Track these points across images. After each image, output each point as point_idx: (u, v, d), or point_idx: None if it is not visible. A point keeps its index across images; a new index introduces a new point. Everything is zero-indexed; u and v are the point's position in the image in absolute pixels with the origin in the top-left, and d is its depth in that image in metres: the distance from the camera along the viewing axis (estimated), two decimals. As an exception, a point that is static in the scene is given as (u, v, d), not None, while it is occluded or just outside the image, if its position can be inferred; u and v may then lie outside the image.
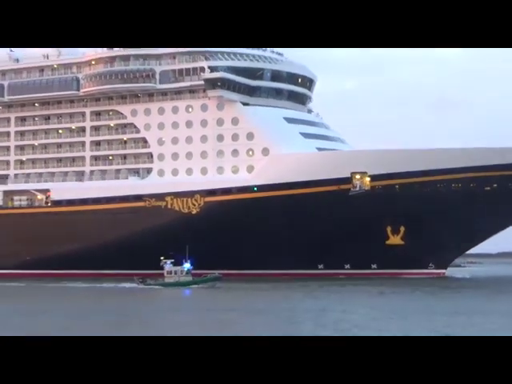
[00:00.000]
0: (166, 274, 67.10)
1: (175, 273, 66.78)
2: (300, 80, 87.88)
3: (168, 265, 67.30)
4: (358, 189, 75.29)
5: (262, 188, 77.44)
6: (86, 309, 47.28)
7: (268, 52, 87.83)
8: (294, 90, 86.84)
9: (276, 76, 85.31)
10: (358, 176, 75.46)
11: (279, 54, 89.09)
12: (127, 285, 66.32)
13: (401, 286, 63.59)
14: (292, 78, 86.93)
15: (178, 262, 67.07)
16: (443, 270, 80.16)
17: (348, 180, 75.48)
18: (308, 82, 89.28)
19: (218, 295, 57.91)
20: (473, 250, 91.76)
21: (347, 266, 77.89)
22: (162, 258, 68.11)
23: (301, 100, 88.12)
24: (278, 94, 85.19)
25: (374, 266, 77.88)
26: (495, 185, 73.25)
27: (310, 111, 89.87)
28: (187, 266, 66.67)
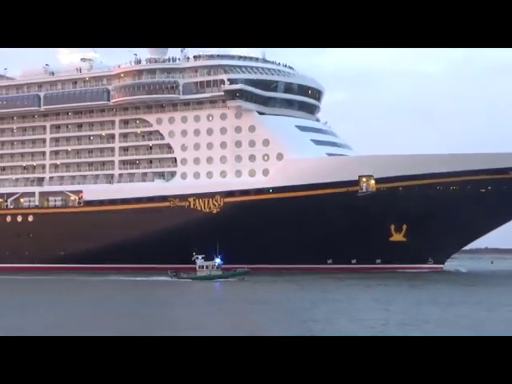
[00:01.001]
0: (198, 268, 66.79)
1: (206, 267, 66.41)
2: (310, 92, 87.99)
3: (200, 260, 67.01)
4: (364, 190, 75.39)
5: (276, 190, 77.55)
6: (143, 297, 48.36)
7: (281, 66, 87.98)
8: (305, 101, 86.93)
9: (288, 88, 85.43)
10: (364, 179, 75.55)
11: (290, 67, 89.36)
12: (159, 278, 65.80)
13: (395, 279, 63.43)
14: (303, 89, 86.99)
15: (208, 257, 66.74)
16: (441, 265, 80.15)
17: (356, 183, 75.57)
18: (317, 94, 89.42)
19: (242, 287, 57.70)
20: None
21: (354, 261, 77.86)
22: (193, 253, 67.82)
23: (310, 110, 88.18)
24: (290, 104, 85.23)
25: (378, 261, 77.83)
26: (489, 187, 73.24)
27: (317, 120, 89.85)
28: (218, 260, 66.44)
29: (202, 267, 66.68)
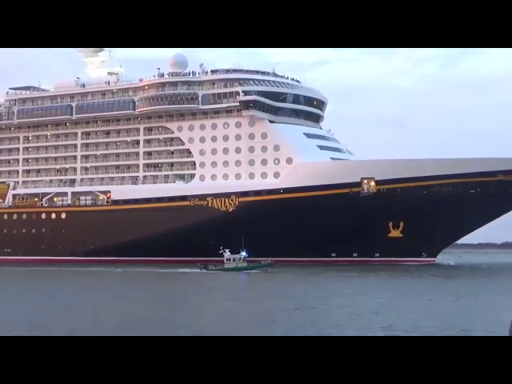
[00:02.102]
0: (225, 261, 66.49)
1: (233, 260, 66.12)
2: (315, 102, 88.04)
3: (227, 253, 66.78)
4: (366, 191, 75.33)
5: (286, 190, 77.54)
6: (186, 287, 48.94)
7: (289, 79, 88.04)
8: (310, 111, 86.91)
9: (296, 99, 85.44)
10: (366, 181, 75.48)
11: (297, 81, 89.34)
12: (191, 270, 64.99)
13: (382, 271, 63.18)
14: (308, 100, 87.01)
15: (234, 251, 66.75)
16: (433, 259, 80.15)
17: (358, 184, 75.48)
18: (321, 104, 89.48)
19: (265, 278, 57.69)
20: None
21: (355, 255, 77.72)
22: (221, 247, 67.58)
23: (315, 119, 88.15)
24: (297, 113, 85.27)
25: (377, 254, 77.70)
26: (478, 189, 73.23)
27: (321, 128, 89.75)
28: (243, 254, 66.25)
29: (230, 260, 66.39)
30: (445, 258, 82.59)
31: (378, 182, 75.00)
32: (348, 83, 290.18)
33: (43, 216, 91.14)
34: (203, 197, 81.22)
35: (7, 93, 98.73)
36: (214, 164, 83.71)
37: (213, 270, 65.44)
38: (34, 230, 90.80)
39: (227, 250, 67.08)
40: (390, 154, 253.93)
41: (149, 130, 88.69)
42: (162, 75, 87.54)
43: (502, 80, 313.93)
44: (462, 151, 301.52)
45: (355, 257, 77.56)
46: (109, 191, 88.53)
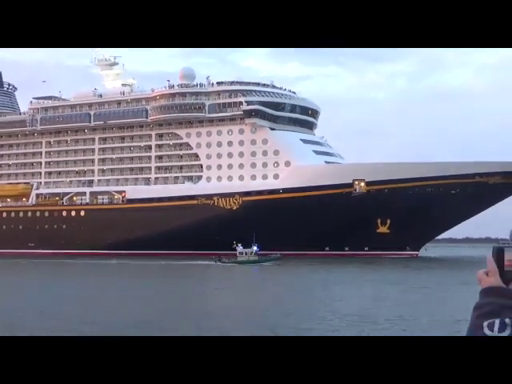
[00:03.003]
0: (238, 254, 66.25)
1: (245, 253, 65.88)
2: (310, 112, 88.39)
3: (240, 247, 66.54)
4: (357, 191, 75.74)
5: (285, 190, 77.87)
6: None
7: (286, 91, 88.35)
8: (306, 119, 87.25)
9: (293, 109, 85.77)
10: (357, 182, 75.87)
11: (293, 92, 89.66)
12: (201, 262, 64.45)
13: (366, 264, 62.89)
14: (304, 110, 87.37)
15: (246, 245, 66.61)
16: (416, 252, 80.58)
17: (350, 185, 75.87)
18: (315, 113, 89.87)
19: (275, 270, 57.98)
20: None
21: (346, 248, 77.96)
22: (234, 242, 67.14)
23: (310, 126, 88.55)
24: (294, 121, 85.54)
25: (366, 248, 77.96)
26: (458, 189, 73.71)
27: (314, 135, 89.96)
28: (255, 248, 66.07)
29: (242, 253, 66.22)
30: (429, 251, 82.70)
31: (368, 183, 75.43)
32: (327, 96, 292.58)
33: (64, 213, 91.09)
34: (210, 196, 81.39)
35: (31, 102, 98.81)
36: (219, 167, 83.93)
37: (226, 262, 64.94)
38: (55, 226, 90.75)
39: (240, 245, 66.85)
40: (364, 158, 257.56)
41: (160, 136, 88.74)
42: (172, 86, 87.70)
43: (462, 94, 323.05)
44: (428, 155, 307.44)
45: (347, 250, 77.79)
46: (124, 191, 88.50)
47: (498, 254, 1.90)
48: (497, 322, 1.78)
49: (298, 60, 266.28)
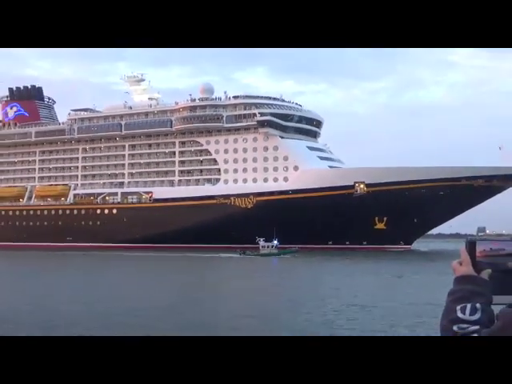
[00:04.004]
0: (260, 248, 65.94)
1: (267, 247, 65.60)
2: (314, 122, 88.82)
3: (262, 241, 66.32)
4: (358, 192, 76.14)
5: (294, 191, 78.22)
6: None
7: (293, 104, 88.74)
8: (311, 129, 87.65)
9: (300, 119, 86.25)
10: (357, 184, 76.24)
11: (300, 105, 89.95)
12: (231, 255, 63.80)
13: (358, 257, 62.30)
14: (309, 121, 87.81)
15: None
16: (409, 246, 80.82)
17: (351, 187, 76.25)
18: (319, 124, 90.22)
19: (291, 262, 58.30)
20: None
21: (347, 243, 78.04)
22: (256, 237, 66.86)
23: (314, 135, 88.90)
24: (300, 131, 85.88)
25: (364, 242, 78.07)
26: (447, 191, 73.92)
27: (317, 143, 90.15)
28: (275, 242, 66.02)
29: (264, 247, 65.97)
30: (420, 245, 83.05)
31: (367, 185, 75.75)
32: (318, 109, 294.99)
33: (98, 211, 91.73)
34: (227, 196, 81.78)
35: (69, 113, 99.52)
36: (235, 170, 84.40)
37: (250, 255, 64.70)
38: (90, 223, 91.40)
39: (262, 239, 66.62)
40: (349, 163, 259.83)
41: (183, 143, 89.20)
42: (194, 100, 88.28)
43: (435, 108, 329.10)
44: (405, 160, 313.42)
45: (347, 244, 77.98)
46: (151, 192, 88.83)
47: (471, 247, 1.90)
48: (468, 306, 1.79)
49: (292, 79, 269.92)
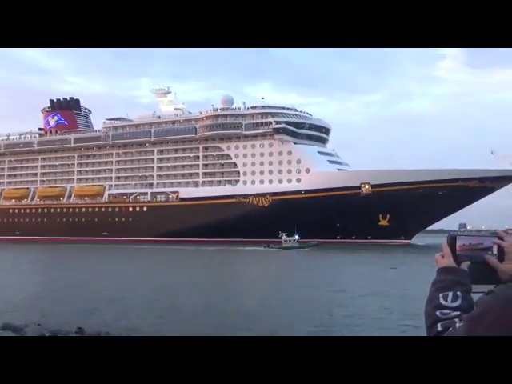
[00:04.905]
0: (283, 242, 65.67)
1: (289, 241, 65.46)
2: (323, 130, 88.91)
3: (284, 236, 66.10)
4: (364, 192, 76.13)
5: (306, 191, 78.32)
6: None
7: (305, 113, 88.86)
8: (320, 136, 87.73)
9: (311, 127, 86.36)
10: (363, 185, 76.25)
11: (310, 114, 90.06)
12: (249, 248, 63.48)
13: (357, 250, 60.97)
14: (319, 128, 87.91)
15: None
16: (409, 240, 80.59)
17: (358, 187, 76.27)
18: (327, 131, 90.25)
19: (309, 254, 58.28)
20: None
21: (353, 237, 78.03)
22: (279, 231, 66.41)
23: (323, 141, 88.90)
24: (311, 138, 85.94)
25: (369, 237, 77.86)
26: (444, 191, 73.72)
27: (326, 148, 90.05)
28: (296, 236, 65.89)
29: (286, 241, 65.69)
30: (419, 240, 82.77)
31: (372, 186, 75.75)
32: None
33: (130, 209, 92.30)
34: (246, 196, 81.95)
35: (104, 122, 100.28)
36: (253, 173, 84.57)
37: (274, 248, 64.32)
38: (123, 219, 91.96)
39: (284, 234, 66.29)
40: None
41: (206, 148, 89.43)
42: (216, 110, 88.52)
43: (422, 118, 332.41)
44: (397, 164, 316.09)
45: (353, 239, 78.04)
46: (177, 192, 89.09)
47: (452, 241, 1.89)
48: (450, 294, 1.80)
49: (294, 92, 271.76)
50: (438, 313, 1.79)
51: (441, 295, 1.81)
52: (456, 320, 1.74)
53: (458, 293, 1.80)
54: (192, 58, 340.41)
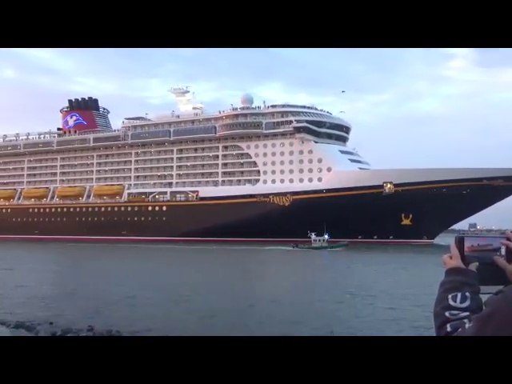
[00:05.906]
0: (312, 242, 65.08)
1: (318, 240, 64.90)
2: (344, 128, 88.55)
3: (314, 235, 65.49)
4: (386, 191, 75.70)
5: (328, 191, 77.99)
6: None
7: (325, 112, 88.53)
8: (341, 134, 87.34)
9: (331, 126, 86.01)
10: (386, 184, 75.80)
11: (330, 113, 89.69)
12: (274, 247, 62.77)
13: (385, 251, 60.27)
14: (339, 127, 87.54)
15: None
16: (432, 240, 79.92)
17: (381, 186, 75.82)
18: (348, 130, 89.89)
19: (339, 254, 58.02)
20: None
21: (375, 237, 77.59)
22: (308, 231, 65.82)
23: (344, 140, 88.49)
24: (331, 136, 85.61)
25: (391, 237, 77.33)
26: (468, 190, 73.11)
27: (346, 146, 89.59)
28: (326, 236, 65.24)
29: (316, 240, 65.14)
30: (442, 240, 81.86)
31: (395, 185, 75.32)
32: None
33: (149, 208, 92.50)
34: (266, 195, 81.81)
35: (123, 122, 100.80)
36: (273, 172, 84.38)
37: (303, 247, 63.40)
38: (142, 218, 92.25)
39: (313, 233, 65.57)
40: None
41: (225, 147, 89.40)
42: (236, 109, 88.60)
43: (431, 118, 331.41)
44: (406, 163, 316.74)
45: (375, 239, 77.56)
46: (197, 191, 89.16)
47: (460, 242, 1.89)
48: (459, 294, 1.80)
49: (304, 92, 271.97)
50: (447, 313, 1.79)
51: (449, 296, 1.81)
52: (465, 321, 1.73)
53: (467, 294, 1.80)
54: (202, 59, 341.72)
